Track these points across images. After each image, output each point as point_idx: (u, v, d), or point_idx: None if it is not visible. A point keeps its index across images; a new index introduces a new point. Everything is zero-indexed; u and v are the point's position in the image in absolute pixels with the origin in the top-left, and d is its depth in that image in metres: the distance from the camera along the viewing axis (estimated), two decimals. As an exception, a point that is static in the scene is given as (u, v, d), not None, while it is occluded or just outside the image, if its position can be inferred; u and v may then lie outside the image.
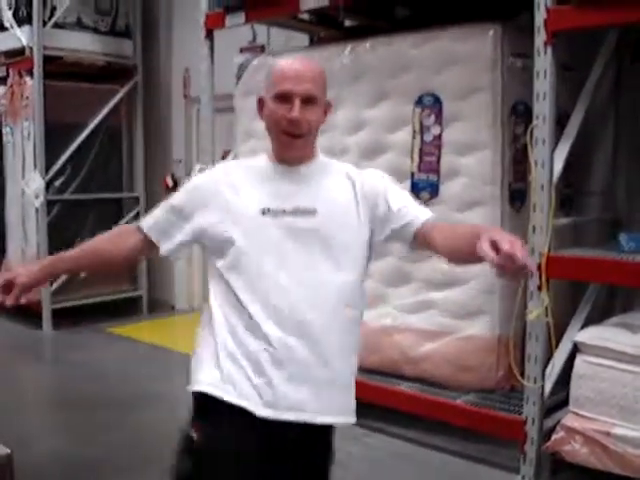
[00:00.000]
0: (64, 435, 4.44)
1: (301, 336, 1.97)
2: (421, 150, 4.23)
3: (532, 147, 3.57)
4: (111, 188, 7.59)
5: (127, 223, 7.52)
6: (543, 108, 3.53)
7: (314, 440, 2.09)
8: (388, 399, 4.27)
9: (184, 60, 7.41)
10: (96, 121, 7.28)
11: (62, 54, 6.96)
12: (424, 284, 4.31)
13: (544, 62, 3.51)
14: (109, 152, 7.54)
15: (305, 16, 5.17)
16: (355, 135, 4.56)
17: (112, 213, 7.58)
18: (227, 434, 1.99)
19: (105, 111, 7.34)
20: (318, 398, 2.01)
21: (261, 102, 2.08)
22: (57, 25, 6.86)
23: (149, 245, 2.16)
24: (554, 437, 3.53)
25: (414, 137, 4.26)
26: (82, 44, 7.07)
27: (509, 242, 1.64)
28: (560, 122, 3.77)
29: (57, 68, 7.00)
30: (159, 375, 5.66)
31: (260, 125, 5.54)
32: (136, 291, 7.79)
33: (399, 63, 4.32)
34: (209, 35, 5.20)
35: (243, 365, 1.99)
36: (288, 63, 2.01)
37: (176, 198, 2.15)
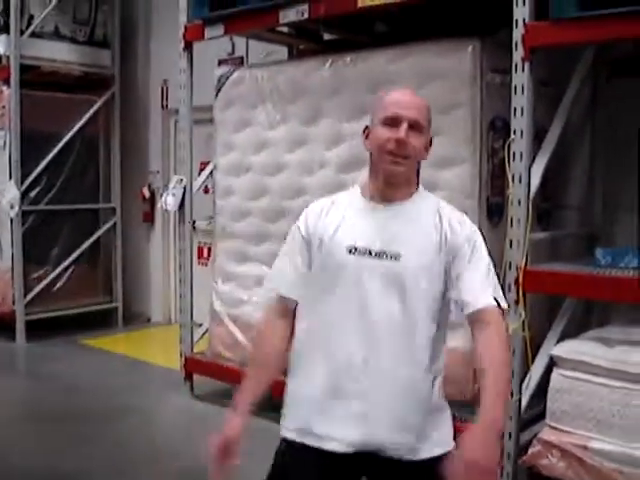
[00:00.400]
0: (38, 448, 4.37)
1: None
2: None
3: (510, 162, 3.60)
4: (87, 199, 7.53)
5: (103, 234, 7.49)
6: (520, 123, 3.56)
7: None
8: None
9: (162, 71, 7.40)
10: (73, 131, 7.22)
11: (39, 63, 6.92)
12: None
13: (522, 78, 3.55)
14: (86, 162, 7.48)
15: (284, 29, 5.18)
16: (335, 149, 4.57)
17: (88, 224, 7.52)
18: None
19: (82, 121, 7.28)
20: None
21: (366, 131, 2.15)
22: (34, 34, 6.80)
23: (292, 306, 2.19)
24: (531, 451, 3.53)
25: (393, 151, 4.26)
26: (59, 54, 7.02)
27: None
28: (538, 137, 3.81)
29: (34, 77, 6.95)
30: (134, 388, 5.62)
31: (240, 137, 5.58)
32: (111, 303, 7.72)
33: (379, 78, 4.33)
34: (188, 47, 5.19)
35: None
36: (399, 92, 2.12)
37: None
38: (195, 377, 5.36)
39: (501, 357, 1.98)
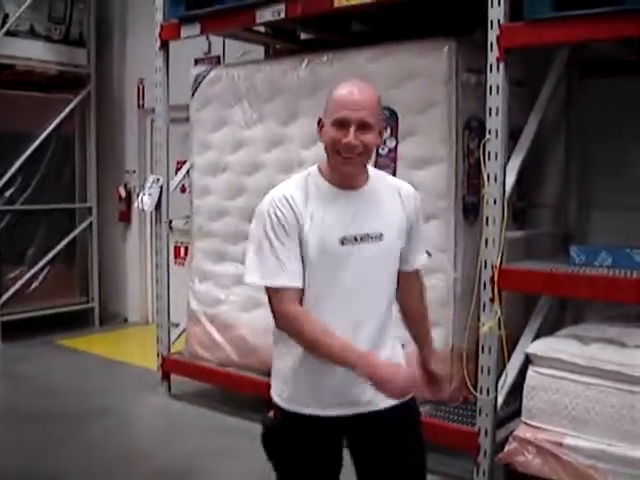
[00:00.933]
0: (13, 450, 4.34)
1: None
2: (376, 163, 4.26)
3: (485, 161, 3.62)
4: (63, 198, 7.48)
5: (79, 234, 7.45)
6: (496, 123, 3.59)
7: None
8: (343, 411, 4.28)
9: (138, 70, 7.36)
10: (48, 130, 7.17)
11: (14, 62, 6.85)
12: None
13: (497, 78, 3.57)
14: (61, 162, 7.43)
15: (261, 28, 5.17)
16: (312, 148, 4.57)
17: (64, 224, 7.47)
18: None
19: (57, 120, 7.23)
20: None
21: (321, 123, 2.20)
22: (9, 33, 6.73)
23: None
24: (507, 448, 3.56)
25: (370, 150, 4.28)
26: (35, 52, 6.95)
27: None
28: (513, 137, 3.84)
29: (9, 77, 6.90)
30: (111, 388, 5.59)
31: (216, 137, 5.58)
32: (88, 303, 7.67)
33: (356, 77, 4.34)
34: (164, 46, 5.18)
35: None
36: (347, 91, 2.14)
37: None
38: (172, 377, 5.35)
39: (426, 306, 2.54)
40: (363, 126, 2.09)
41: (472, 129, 4.12)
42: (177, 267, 6.78)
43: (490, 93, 3.60)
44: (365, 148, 2.12)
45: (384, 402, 2.19)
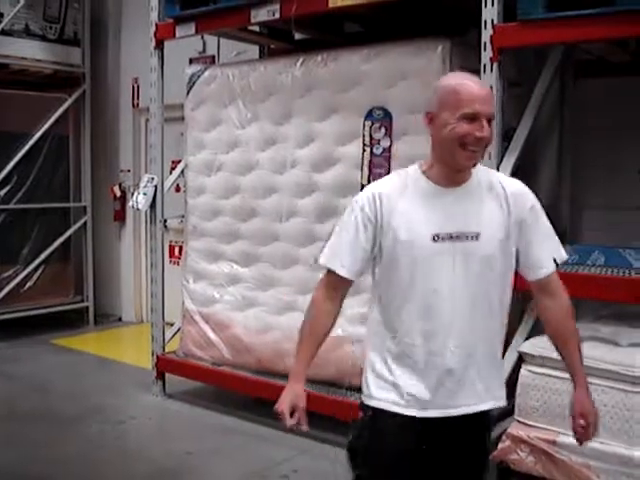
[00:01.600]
0: (8, 450, 4.33)
1: None
2: (371, 162, 4.28)
3: (479, 161, 3.63)
4: (58, 198, 7.47)
5: (74, 233, 7.45)
6: (489, 123, 3.60)
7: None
8: (338, 410, 4.29)
9: (133, 69, 7.37)
10: (43, 130, 7.17)
11: (9, 62, 6.85)
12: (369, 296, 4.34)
13: (490, 78, 3.59)
14: (56, 161, 7.43)
15: (255, 28, 5.18)
16: (306, 147, 4.59)
17: (59, 223, 7.47)
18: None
19: (52, 120, 7.23)
20: None
21: (429, 116, 2.15)
22: (4, 32, 6.73)
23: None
24: (500, 446, 3.58)
25: (364, 150, 4.30)
26: (30, 52, 6.96)
27: (592, 430, 2.24)
28: (507, 137, 3.85)
29: (3, 76, 6.90)
30: (105, 387, 5.60)
31: (211, 136, 5.55)
32: (82, 302, 7.68)
33: (350, 77, 4.37)
34: (159, 45, 5.18)
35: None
36: (471, 85, 2.10)
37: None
38: (167, 376, 5.35)
39: (574, 323, 2.30)
40: (490, 120, 2.09)
41: (465, 129, 4.12)
42: (172, 266, 6.78)
43: (484, 93, 3.60)
44: (489, 141, 2.12)
45: (465, 408, 2.19)
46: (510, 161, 3.77)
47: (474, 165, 2.13)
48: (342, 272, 2.19)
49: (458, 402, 2.18)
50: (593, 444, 3.33)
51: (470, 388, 2.19)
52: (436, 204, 2.13)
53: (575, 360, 2.28)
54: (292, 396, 2.27)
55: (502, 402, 2.30)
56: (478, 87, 2.10)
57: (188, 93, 5.21)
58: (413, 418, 2.17)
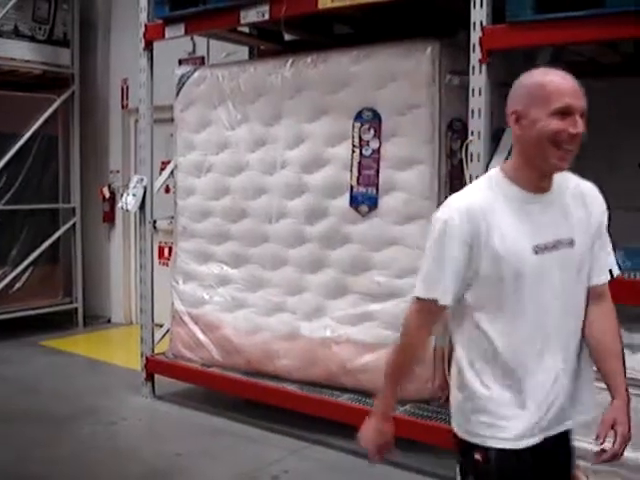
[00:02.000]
0: (-3, 451, 4.34)
1: None
2: (360, 164, 4.28)
3: (467, 163, 3.65)
4: (47, 199, 7.45)
5: (63, 235, 7.42)
6: (478, 124, 3.62)
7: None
8: (327, 411, 4.30)
9: (122, 70, 7.35)
10: (32, 130, 7.14)
11: (-2, 62, 6.85)
12: (362, 296, 4.35)
13: (479, 79, 3.60)
14: (45, 162, 7.40)
15: (245, 29, 5.19)
16: (296, 149, 4.60)
17: (47, 224, 7.44)
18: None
19: (41, 120, 7.21)
20: None
21: (516, 115, 1.99)
22: (-7, 33, 6.73)
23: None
24: (489, 447, 3.58)
25: (353, 151, 4.31)
26: (19, 52, 6.93)
27: (620, 441, 2.05)
28: (497, 138, 3.86)
29: (-8, 76, 6.88)
30: (95, 389, 5.58)
31: (201, 137, 5.54)
32: (71, 304, 7.65)
33: (339, 78, 4.37)
34: (148, 46, 5.17)
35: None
36: (560, 78, 1.96)
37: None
38: (156, 378, 5.34)
39: (618, 333, 2.14)
40: (582, 115, 1.95)
41: (455, 130, 4.14)
42: (161, 267, 6.77)
43: (473, 95, 3.62)
44: (581, 141, 1.96)
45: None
46: (499, 162, 3.78)
47: (565, 167, 1.98)
48: (444, 301, 1.99)
49: (564, 419, 2.08)
50: (582, 444, 3.35)
51: (570, 402, 2.07)
52: (528, 212, 1.98)
53: (619, 374, 2.10)
54: (379, 436, 2.14)
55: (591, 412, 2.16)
56: (566, 80, 1.96)
57: (178, 94, 5.21)
58: (528, 448, 2.00)
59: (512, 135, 2.03)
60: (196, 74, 5.14)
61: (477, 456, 2.02)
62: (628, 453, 3.21)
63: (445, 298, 1.98)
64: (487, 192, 2.00)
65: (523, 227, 1.96)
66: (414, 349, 2.13)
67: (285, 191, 4.65)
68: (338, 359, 4.41)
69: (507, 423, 1.99)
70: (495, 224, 1.94)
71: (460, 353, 2.09)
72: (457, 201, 2.02)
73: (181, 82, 5.19)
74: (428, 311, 2.04)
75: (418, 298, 2.04)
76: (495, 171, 2.06)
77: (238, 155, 4.90)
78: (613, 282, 2.17)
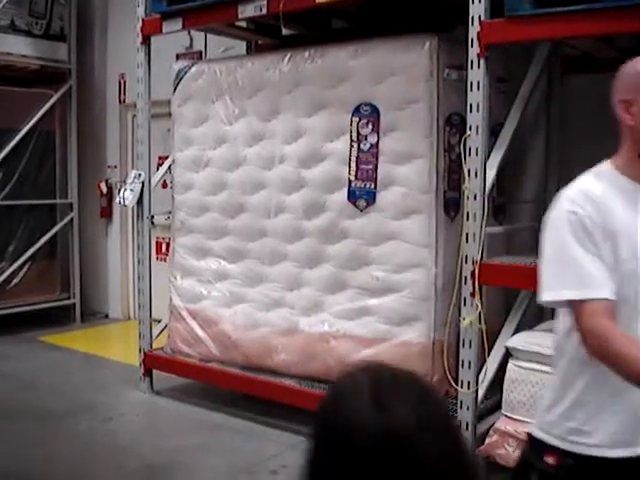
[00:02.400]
0: (-5, 447, 4.34)
1: None
2: (358, 158, 4.28)
3: (465, 157, 3.65)
4: (44, 194, 7.43)
5: (60, 230, 7.42)
6: (476, 119, 3.62)
7: None
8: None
9: (120, 65, 7.35)
10: (29, 126, 7.13)
11: (-6, 57, 6.83)
12: (360, 291, 4.36)
13: (477, 74, 3.60)
14: (42, 157, 7.39)
15: (242, 24, 5.18)
16: (294, 143, 4.59)
17: (45, 219, 7.43)
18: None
19: (38, 116, 7.19)
20: None
21: (625, 104, 1.92)
22: (-11, 28, 6.72)
23: None
24: (488, 441, 3.60)
25: (351, 146, 4.31)
26: (15, 47, 6.92)
27: None
28: (495, 132, 3.87)
29: (-12, 71, 6.87)
30: (93, 384, 5.59)
31: (198, 132, 5.53)
32: (69, 299, 7.64)
33: (337, 73, 4.37)
34: (145, 41, 5.16)
35: None
36: None
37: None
38: (155, 373, 5.34)
39: None
40: None
41: (453, 125, 4.14)
42: (159, 263, 6.77)
43: (471, 89, 3.63)
44: None
45: None
46: (497, 157, 3.79)
47: None
48: (606, 292, 1.78)
49: None
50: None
51: None
52: (637, 201, 1.88)
53: None
54: None
55: None
56: None
57: (175, 89, 5.20)
58: (615, 460, 1.87)
59: (622, 125, 1.95)
60: (194, 69, 5.13)
61: (550, 459, 1.91)
62: None
63: (604, 290, 1.78)
64: (601, 181, 1.92)
65: (637, 219, 1.87)
66: (622, 338, 1.77)
67: (283, 186, 4.65)
68: (336, 354, 4.41)
69: (595, 429, 1.88)
70: (613, 215, 1.84)
71: (559, 356, 2.00)
72: (577, 186, 1.92)
73: (178, 77, 5.17)
74: (601, 310, 1.78)
75: (579, 303, 1.80)
76: (604, 163, 1.99)
77: (236, 150, 4.90)
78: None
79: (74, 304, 7.64)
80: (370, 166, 4.25)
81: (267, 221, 4.75)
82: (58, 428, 4.64)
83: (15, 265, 7.14)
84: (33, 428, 4.62)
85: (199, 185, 5.11)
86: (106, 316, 7.93)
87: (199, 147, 5.09)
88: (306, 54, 4.55)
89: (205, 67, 5.12)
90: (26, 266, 7.25)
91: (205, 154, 5.05)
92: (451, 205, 4.18)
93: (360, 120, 4.28)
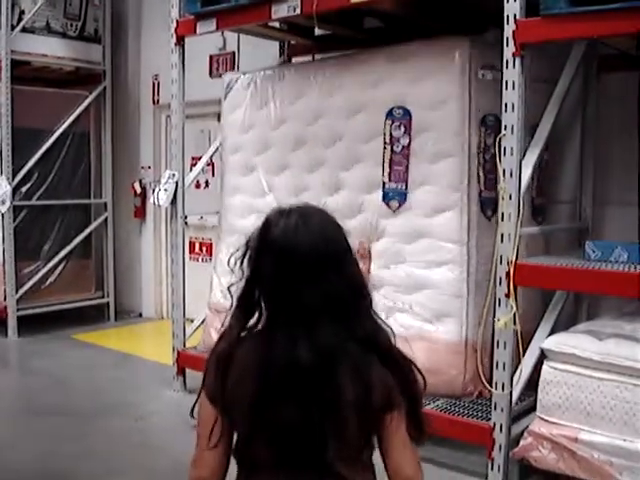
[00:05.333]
0: (30, 445, 4.35)
1: None
2: (391, 160, 4.31)
3: (500, 157, 3.62)
4: (79, 194, 7.51)
5: (95, 230, 7.50)
6: (511, 118, 3.58)
7: None
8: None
9: (153, 66, 7.39)
10: (64, 126, 7.21)
11: (30, 59, 6.91)
12: (394, 288, 4.35)
13: (512, 73, 3.57)
14: (77, 158, 7.47)
15: (275, 24, 5.19)
16: (332, 147, 4.63)
17: (80, 219, 7.52)
18: None
19: (73, 116, 7.27)
20: None
21: None
22: (25, 29, 6.79)
23: None
24: (522, 443, 3.57)
25: (384, 148, 4.34)
26: (50, 49, 7.01)
27: None
28: (532, 134, 3.84)
29: (25, 73, 6.95)
30: (126, 383, 5.62)
31: (246, 138, 5.60)
32: (103, 298, 7.72)
33: (373, 77, 4.42)
34: (180, 42, 5.19)
35: None
36: None
37: None
38: (188, 372, 5.36)
39: None
40: None
41: (488, 125, 4.13)
42: (192, 262, 6.81)
43: (506, 88, 3.59)
44: None
45: None
46: (532, 157, 3.75)
47: None
48: None
49: None
50: (616, 441, 3.32)
51: None
52: None
53: None
54: None
55: None
56: None
57: (225, 98, 5.34)
58: None
59: None
60: (242, 78, 5.25)
61: None
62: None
63: None
64: None
65: None
66: None
67: (324, 188, 4.69)
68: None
69: None
70: None
71: None
72: None
73: (229, 87, 5.32)
74: None
75: None
76: None
77: (281, 154, 4.95)
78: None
79: (108, 303, 7.72)
80: (402, 167, 4.27)
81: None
82: (90, 426, 4.67)
83: (50, 264, 7.22)
84: (65, 426, 4.66)
85: (245, 189, 5.18)
86: (140, 315, 7.98)
87: (246, 152, 5.17)
88: (343, 60, 4.60)
89: (252, 77, 5.22)
90: (61, 265, 7.34)
91: (252, 159, 5.12)
92: (488, 205, 4.17)
93: (393, 123, 4.31)
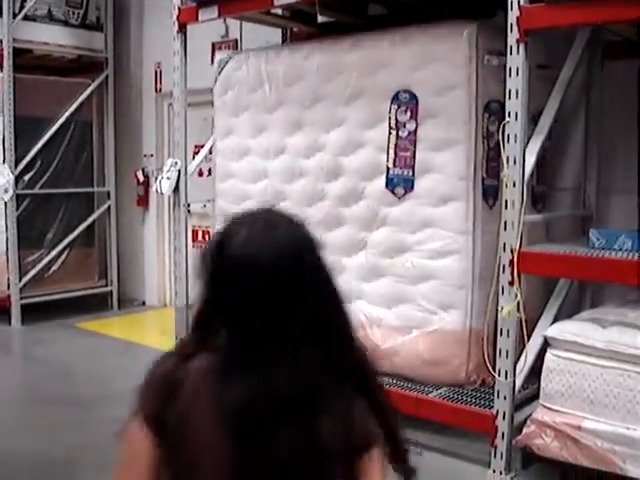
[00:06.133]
0: (31, 433, 4.36)
1: None
2: (396, 146, 4.26)
3: (504, 144, 3.60)
4: (81, 182, 7.51)
5: (98, 218, 7.50)
6: (515, 105, 3.56)
7: None
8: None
9: (156, 54, 7.36)
10: (66, 115, 7.20)
11: (32, 47, 6.89)
12: (397, 278, 4.34)
13: (517, 60, 3.54)
14: (79, 146, 7.46)
15: (278, 11, 5.16)
16: (333, 132, 4.58)
17: (82, 208, 7.52)
18: None
19: (75, 105, 7.26)
20: None
21: None
22: (27, 17, 6.77)
23: None
24: (525, 431, 3.56)
25: (390, 133, 4.29)
26: (52, 37, 6.99)
27: None
28: (535, 120, 3.81)
29: (27, 61, 6.93)
30: (129, 371, 5.55)
31: (239, 121, 5.54)
32: (106, 286, 7.73)
33: (376, 61, 4.36)
34: (182, 29, 5.17)
35: None
36: None
37: None
38: (190, 360, 5.36)
39: None
40: None
41: (492, 112, 4.10)
42: (195, 250, 6.80)
43: (510, 75, 3.57)
44: None
45: None
46: (536, 144, 3.73)
47: None
48: None
49: None
50: (619, 429, 3.32)
51: None
52: None
53: None
54: None
55: None
56: None
57: (217, 79, 5.23)
58: None
59: None
60: (235, 59, 5.16)
61: None
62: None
63: None
64: None
65: None
66: None
67: (322, 174, 4.65)
68: (372, 342, 4.39)
69: None
70: None
71: None
72: None
73: (220, 67, 5.21)
74: None
75: None
76: None
77: (276, 139, 4.90)
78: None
79: (111, 291, 7.72)
80: (408, 153, 4.22)
81: (307, 209, 4.73)
82: (92, 414, 4.66)
83: (53, 252, 7.23)
84: (67, 415, 4.66)
85: (239, 174, 5.13)
86: (143, 303, 7.99)
87: (239, 136, 5.10)
88: (345, 43, 4.54)
89: (245, 57, 5.13)
90: (64, 253, 7.34)
91: (245, 143, 5.06)
92: (490, 193, 4.15)
93: (399, 107, 4.25)
